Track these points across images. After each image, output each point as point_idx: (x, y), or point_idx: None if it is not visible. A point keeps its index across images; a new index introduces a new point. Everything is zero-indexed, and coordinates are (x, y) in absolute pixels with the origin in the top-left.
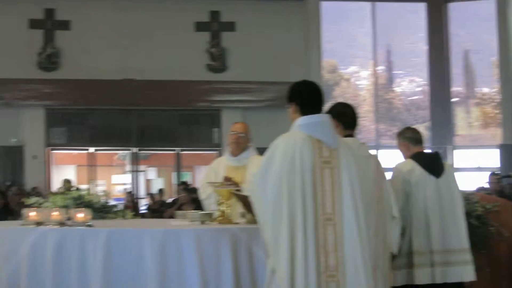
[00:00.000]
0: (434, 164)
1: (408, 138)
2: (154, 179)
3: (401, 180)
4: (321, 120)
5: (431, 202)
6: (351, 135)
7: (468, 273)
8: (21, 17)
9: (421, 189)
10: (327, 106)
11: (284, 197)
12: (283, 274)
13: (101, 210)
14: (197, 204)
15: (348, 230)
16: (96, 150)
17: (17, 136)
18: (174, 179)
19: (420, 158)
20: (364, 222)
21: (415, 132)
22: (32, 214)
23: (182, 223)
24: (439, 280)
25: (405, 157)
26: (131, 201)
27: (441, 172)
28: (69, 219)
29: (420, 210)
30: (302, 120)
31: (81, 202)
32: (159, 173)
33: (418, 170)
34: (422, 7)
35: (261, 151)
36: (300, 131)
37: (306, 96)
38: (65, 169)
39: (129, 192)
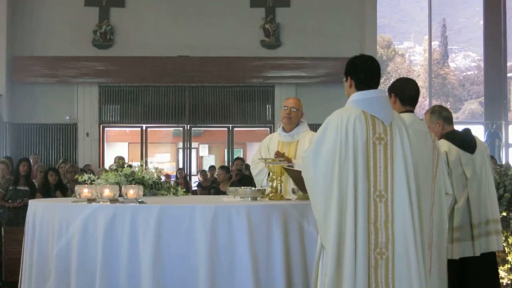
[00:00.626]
0: (468, 142)
1: (444, 117)
2: (206, 156)
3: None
4: (376, 96)
5: (469, 178)
6: (410, 111)
7: (500, 243)
8: None
9: (458, 167)
10: (387, 83)
11: (335, 173)
12: (331, 250)
13: (153, 187)
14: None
15: (399, 207)
16: (148, 127)
17: (70, 114)
18: (226, 156)
19: (454, 137)
20: (416, 200)
21: (448, 111)
22: (85, 191)
23: (234, 200)
24: (478, 252)
25: (437, 134)
26: (183, 177)
27: (474, 148)
28: (121, 195)
29: (459, 187)
30: (356, 95)
31: (133, 179)
32: (211, 150)
33: (454, 150)
34: None
35: (314, 127)
36: (355, 106)
37: (362, 71)
38: (118, 147)
39: (180, 169)
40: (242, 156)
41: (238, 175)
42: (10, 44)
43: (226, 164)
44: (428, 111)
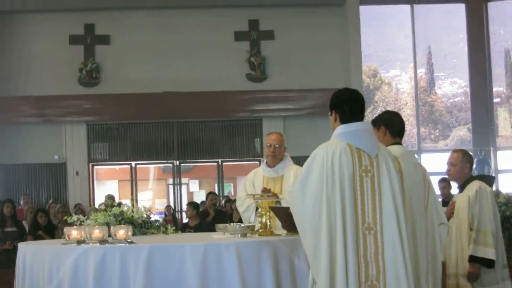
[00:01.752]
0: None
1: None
2: (196, 191)
3: (491, 201)
4: (361, 128)
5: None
6: (398, 143)
7: None
8: (61, 33)
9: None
10: (375, 113)
11: (323, 206)
12: (322, 284)
13: (142, 226)
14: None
15: (389, 239)
16: (138, 164)
17: (59, 153)
18: (216, 190)
19: (487, 180)
20: (405, 231)
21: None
22: (74, 232)
23: (223, 237)
24: None
25: (461, 175)
26: (171, 214)
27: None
28: (110, 236)
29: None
30: (341, 128)
31: (122, 218)
32: (201, 185)
33: (490, 191)
34: (461, 8)
35: (303, 159)
36: (340, 139)
37: (346, 104)
38: (108, 184)
39: (168, 206)
40: (232, 191)
41: (215, 210)
42: None
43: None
44: (460, 151)
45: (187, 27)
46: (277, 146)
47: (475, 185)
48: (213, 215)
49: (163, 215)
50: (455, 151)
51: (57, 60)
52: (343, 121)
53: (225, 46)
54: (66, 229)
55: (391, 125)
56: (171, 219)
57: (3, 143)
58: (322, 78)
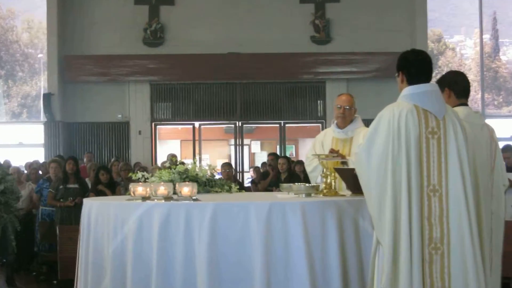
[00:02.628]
0: None
1: None
2: (258, 152)
3: None
4: (429, 90)
5: None
6: (464, 104)
7: None
8: None
9: None
10: (437, 75)
11: (388, 168)
12: (386, 246)
13: (206, 184)
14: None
15: (454, 201)
16: (200, 124)
17: (122, 112)
18: (278, 152)
19: None
20: (472, 194)
21: None
22: (139, 189)
23: (288, 196)
24: None
25: None
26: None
27: None
28: (175, 193)
29: None
30: (408, 89)
31: (187, 176)
32: (263, 146)
33: None
34: None
35: (366, 122)
36: (406, 101)
37: (413, 66)
38: (170, 144)
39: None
40: (294, 152)
41: (274, 171)
42: (62, 43)
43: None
44: None
45: None
46: (347, 107)
47: None
48: (273, 174)
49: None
50: None
51: (122, 20)
52: (410, 82)
53: (290, 8)
54: (131, 185)
55: (455, 85)
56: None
57: (67, 101)
58: (386, 41)
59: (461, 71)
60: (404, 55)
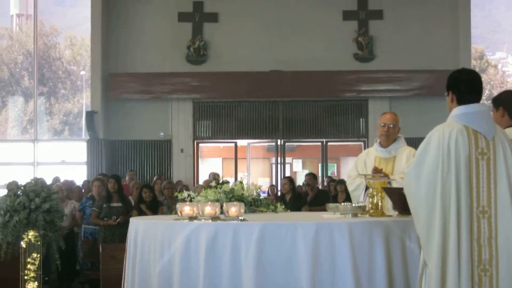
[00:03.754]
0: None
1: None
2: (299, 171)
3: None
4: (479, 110)
5: None
6: None
7: None
8: (170, 10)
9: None
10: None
11: (437, 189)
12: (434, 267)
13: (252, 204)
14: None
15: (503, 223)
16: (242, 142)
17: (165, 130)
18: (320, 171)
19: None
20: None
21: None
22: (186, 208)
23: (334, 216)
24: None
25: None
26: (274, 194)
27: None
28: (221, 213)
29: None
30: (458, 110)
31: (233, 196)
32: (304, 165)
33: None
34: None
35: (409, 140)
36: (456, 121)
37: (463, 85)
38: (212, 162)
39: (272, 185)
40: (335, 171)
41: (313, 191)
42: (105, 61)
43: (320, 179)
44: None
45: (295, 6)
46: (391, 126)
47: None
48: (313, 194)
49: (266, 194)
50: None
51: (165, 38)
52: (460, 102)
53: (333, 25)
54: (179, 205)
55: (510, 106)
56: (273, 198)
57: (110, 119)
58: (429, 59)
59: (499, 89)
60: (454, 75)
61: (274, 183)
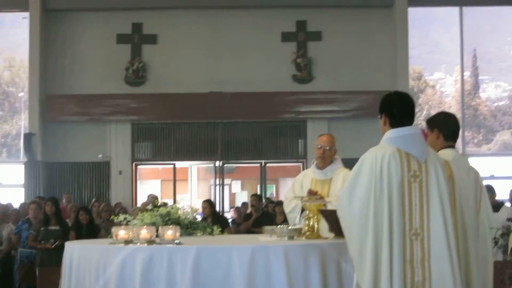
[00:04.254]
0: None
1: None
2: (238, 192)
3: None
4: (411, 133)
5: None
6: (451, 147)
7: None
8: (109, 32)
9: None
10: (419, 116)
11: (370, 212)
12: None
13: (188, 227)
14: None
15: (436, 245)
16: (180, 164)
17: (103, 152)
18: (258, 192)
19: None
20: (453, 237)
21: None
22: (121, 232)
23: (271, 239)
24: None
25: None
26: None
27: None
28: (157, 236)
29: None
30: (391, 133)
31: (169, 219)
32: (243, 186)
33: None
34: (510, 11)
35: (347, 162)
36: (389, 144)
37: (396, 108)
38: (150, 184)
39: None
40: (274, 192)
41: (257, 212)
42: (44, 83)
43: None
44: None
45: (234, 28)
46: (327, 148)
47: None
48: (256, 216)
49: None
50: None
51: (104, 59)
52: (392, 125)
53: (272, 47)
54: (114, 229)
55: (444, 127)
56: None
57: (48, 141)
58: (368, 80)
59: (444, 110)
60: (386, 97)
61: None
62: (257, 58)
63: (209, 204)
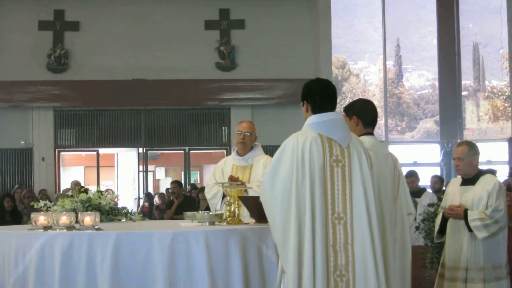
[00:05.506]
0: None
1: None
2: (162, 179)
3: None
4: (333, 118)
5: None
6: (371, 133)
7: None
8: (30, 18)
9: None
10: (342, 104)
11: (292, 196)
12: (290, 274)
13: (109, 213)
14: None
15: (359, 229)
16: (104, 151)
17: (26, 138)
18: (182, 178)
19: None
20: (376, 221)
21: None
22: (41, 218)
23: (191, 224)
24: None
25: (470, 168)
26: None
27: None
28: (77, 222)
29: None
30: (313, 118)
31: (90, 205)
32: (167, 172)
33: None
34: (432, 1)
35: (271, 149)
36: (311, 129)
37: (318, 95)
38: (74, 171)
39: (148, 193)
40: (199, 178)
41: (178, 198)
42: None
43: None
44: (466, 144)
45: (157, 15)
46: (247, 133)
47: (490, 178)
48: (178, 202)
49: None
50: (459, 144)
51: (25, 46)
52: (314, 111)
53: (195, 35)
54: (33, 215)
55: (363, 114)
56: (148, 206)
57: None
58: (291, 68)
59: (367, 98)
60: (308, 85)
61: (138, 191)
62: (180, 46)
63: (178, 185)
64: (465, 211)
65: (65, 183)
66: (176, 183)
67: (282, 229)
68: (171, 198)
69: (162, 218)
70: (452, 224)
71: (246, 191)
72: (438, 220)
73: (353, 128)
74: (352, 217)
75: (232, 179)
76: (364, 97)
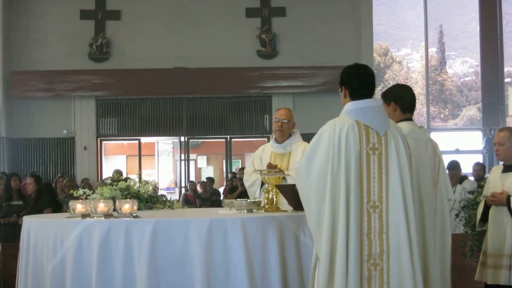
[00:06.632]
0: None
1: None
2: (204, 167)
3: None
4: (371, 105)
5: None
6: (409, 119)
7: None
8: (72, 8)
9: None
10: (383, 88)
11: (327, 183)
12: (323, 260)
13: (148, 201)
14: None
15: (394, 218)
16: (146, 139)
17: (68, 128)
18: (224, 167)
19: None
20: (412, 210)
21: None
22: (78, 206)
23: (229, 212)
24: None
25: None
26: (193, 190)
27: None
28: (115, 210)
29: None
30: (350, 105)
31: (128, 193)
32: (209, 161)
33: None
34: None
35: (312, 136)
36: (348, 116)
37: (355, 80)
38: (116, 160)
39: (191, 182)
40: (240, 167)
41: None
42: (7, 59)
43: (224, 174)
44: (507, 129)
45: (198, 3)
46: (285, 121)
47: None
48: (241, 190)
49: (172, 190)
50: (501, 129)
51: (67, 35)
52: (352, 97)
53: (237, 22)
54: (71, 203)
55: (400, 99)
56: (192, 194)
57: (12, 117)
58: (332, 56)
59: (408, 84)
60: (346, 70)
61: (179, 179)
62: (221, 34)
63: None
64: (508, 197)
65: (107, 172)
66: (243, 170)
67: (317, 215)
68: (234, 184)
69: (202, 206)
70: (494, 211)
71: (284, 178)
72: (480, 209)
73: (391, 114)
74: (387, 206)
75: (271, 166)
76: (406, 85)
